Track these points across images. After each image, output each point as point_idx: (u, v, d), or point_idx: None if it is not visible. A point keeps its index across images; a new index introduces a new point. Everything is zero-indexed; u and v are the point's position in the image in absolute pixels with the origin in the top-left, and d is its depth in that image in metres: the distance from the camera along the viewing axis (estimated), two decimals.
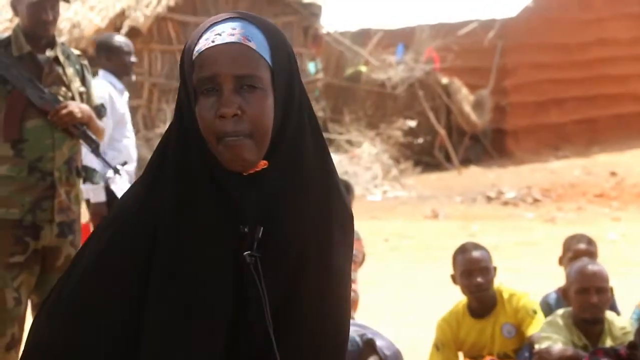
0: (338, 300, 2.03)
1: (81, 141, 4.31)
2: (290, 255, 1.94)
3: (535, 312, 4.74)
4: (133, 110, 14.26)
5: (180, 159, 1.91)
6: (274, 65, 1.89)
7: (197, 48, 1.90)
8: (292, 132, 1.92)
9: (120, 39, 6.12)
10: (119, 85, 5.98)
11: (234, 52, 1.87)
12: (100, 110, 4.43)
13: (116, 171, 4.64)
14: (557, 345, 4.40)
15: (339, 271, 2.02)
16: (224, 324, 1.92)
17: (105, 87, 5.81)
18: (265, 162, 1.91)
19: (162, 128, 14.02)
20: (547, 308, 4.92)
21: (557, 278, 5.82)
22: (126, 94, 6.09)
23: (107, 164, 4.62)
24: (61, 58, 4.33)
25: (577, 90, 17.37)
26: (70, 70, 4.34)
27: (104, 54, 6.01)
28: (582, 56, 17.26)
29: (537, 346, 4.46)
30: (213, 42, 1.88)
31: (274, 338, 1.91)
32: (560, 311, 4.60)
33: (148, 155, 13.99)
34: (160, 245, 1.91)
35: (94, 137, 4.30)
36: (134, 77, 6.32)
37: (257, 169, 1.91)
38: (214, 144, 1.88)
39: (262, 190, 1.91)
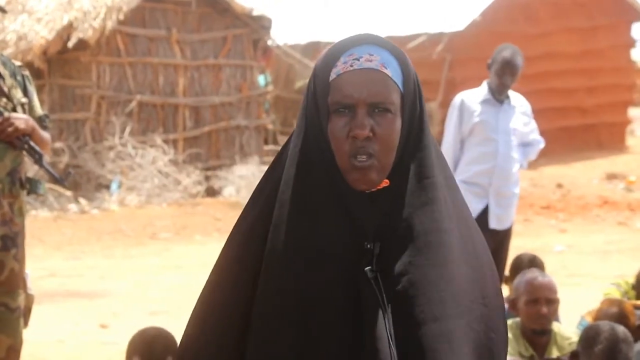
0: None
1: (24, 152, 4.26)
2: (406, 274, 1.98)
3: None
4: (80, 123, 14.22)
5: (304, 174, 2.00)
6: (404, 91, 2.04)
7: (335, 70, 2.01)
8: (413, 152, 2.02)
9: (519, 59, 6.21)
10: None
11: (371, 78, 2.01)
12: (43, 121, 4.37)
13: (61, 181, 4.55)
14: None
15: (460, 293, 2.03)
16: (341, 340, 1.97)
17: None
18: (387, 181, 2.01)
19: (111, 141, 13.92)
20: None
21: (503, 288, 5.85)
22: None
23: (52, 175, 4.53)
24: (1, 69, 4.27)
25: None
26: (11, 82, 4.29)
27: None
28: (528, 70, 17.30)
29: None
30: (352, 66, 2.01)
31: (395, 350, 1.96)
32: (507, 322, 4.63)
33: (95, 168, 13.95)
34: (271, 257, 2.00)
35: (37, 148, 4.25)
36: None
37: (379, 187, 2.01)
38: (344, 161, 1.99)
39: (382, 208, 2.00)
